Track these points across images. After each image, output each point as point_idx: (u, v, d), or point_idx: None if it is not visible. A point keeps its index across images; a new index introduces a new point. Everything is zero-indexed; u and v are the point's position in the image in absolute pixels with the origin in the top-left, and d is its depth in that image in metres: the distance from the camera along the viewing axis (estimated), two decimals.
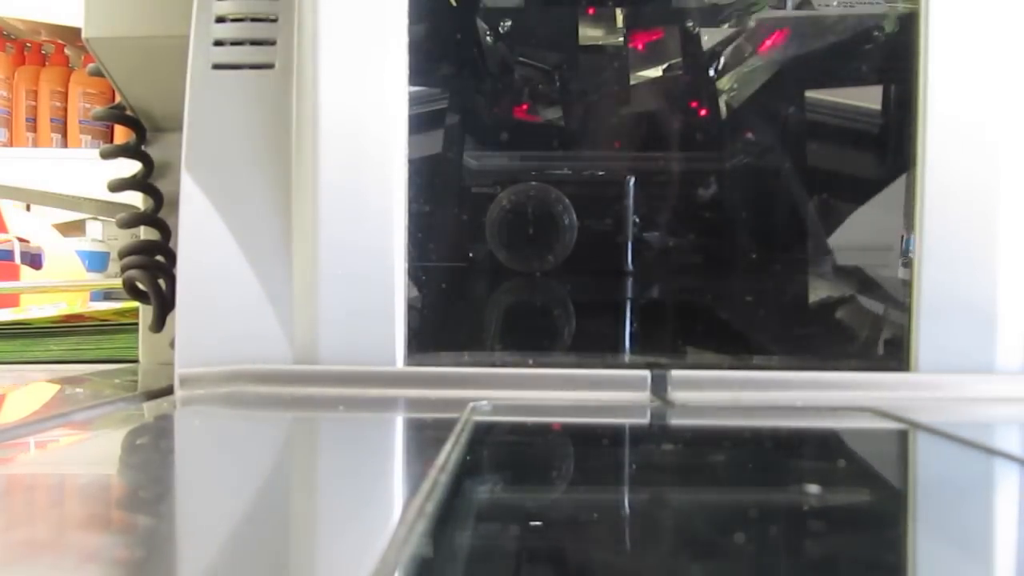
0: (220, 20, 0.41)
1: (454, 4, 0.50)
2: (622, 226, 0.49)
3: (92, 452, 0.30)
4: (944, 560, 0.19)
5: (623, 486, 0.26)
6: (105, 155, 0.56)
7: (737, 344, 0.46)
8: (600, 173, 0.51)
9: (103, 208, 0.97)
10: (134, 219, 0.56)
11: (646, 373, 0.37)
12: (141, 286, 0.53)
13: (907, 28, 0.40)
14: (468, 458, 0.26)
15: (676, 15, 0.51)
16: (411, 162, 0.39)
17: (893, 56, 0.45)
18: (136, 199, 0.58)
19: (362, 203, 0.39)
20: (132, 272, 0.53)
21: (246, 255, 0.39)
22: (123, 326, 0.62)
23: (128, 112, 0.56)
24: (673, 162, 0.51)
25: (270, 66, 0.41)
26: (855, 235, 0.49)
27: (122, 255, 0.54)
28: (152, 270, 0.53)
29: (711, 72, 0.51)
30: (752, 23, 0.50)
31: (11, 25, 1.43)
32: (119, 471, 0.27)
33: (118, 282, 0.55)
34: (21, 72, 1.43)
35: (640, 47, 0.51)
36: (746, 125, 0.50)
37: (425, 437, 0.32)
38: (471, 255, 0.50)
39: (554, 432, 0.34)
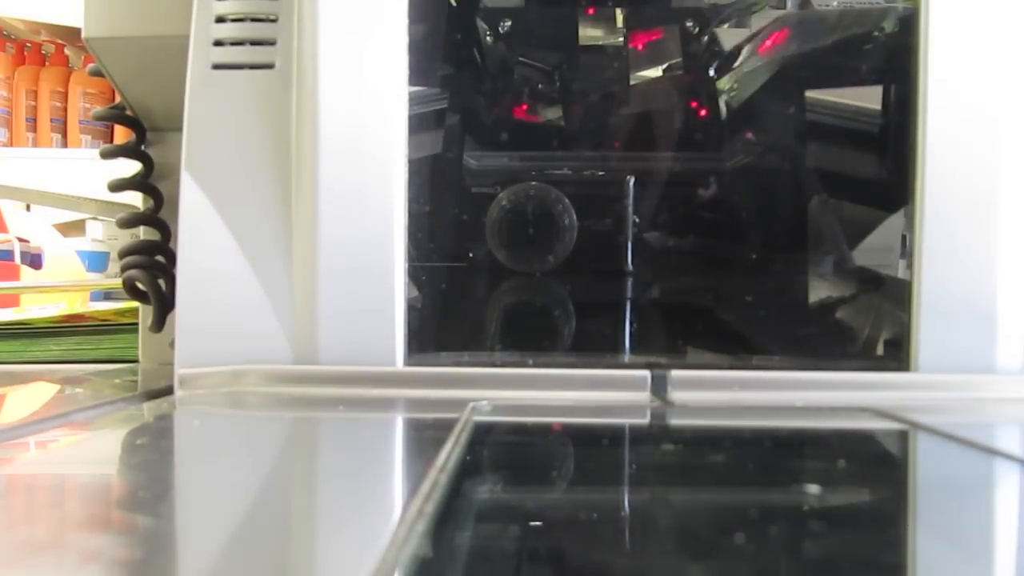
0: (220, 20, 0.41)
1: (454, 4, 0.50)
2: (622, 226, 0.49)
3: (92, 452, 0.30)
4: (944, 560, 0.19)
5: (623, 486, 0.26)
6: (105, 155, 0.56)
7: (737, 344, 0.46)
8: (600, 173, 0.51)
9: (103, 208, 0.97)
10: (134, 219, 0.56)
11: (646, 373, 0.37)
12: (141, 286, 0.53)
13: (907, 27, 0.40)
14: (468, 458, 0.26)
15: (676, 15, 0.51)
16: (411, 162, 0.39)
17: (893, 55, 0.45)
18: (136, 199, 0.58)
19: (362, 203, 0.39)
20: (132, 272, 0.53)
21: (246, 255, 0.39)
22: (123, 326, 0.62)
23: (128, 112, 0.56)
24: (673, 162, 0.51)
25: (270, 66, 0.41)
26: (855, 234, 0.49)
27: (122, 255, 0.54)
28: (152, 270, 0.53)
29: (711, 72, 0.51)
30: (752, 23, 0.50)
31: (11, 25, 1.43)
32: (119, 471, 0.27)
33: (118, 282, 0.55)
34: (21, 72, 1.43)
35: (640, 47, 0.51)
36: (746, 125, 0.50)
37: (425, 437, 0.32)
38: (471, 255, 0.50)
39: (554, 432, 0.34)
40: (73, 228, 1.43)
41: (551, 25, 0.52)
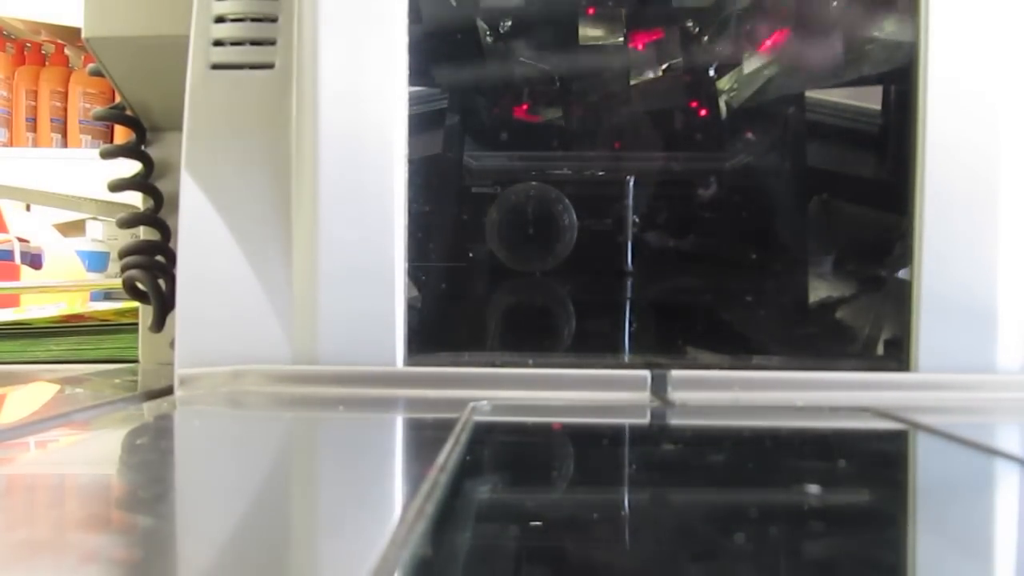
0: (220, 20, 0.41)
1: (454, 4, 0.50)
2: (622, 226, 0.49)
3: (92, 452, 0.30)
4: (944, 560, 0.19)
5: (623, 486, 0.26)
6: (105, 155, 0.56)
7: (737, 344, 0.46)
8: (600, 173, 0.51)
9: (103, 208, 0.97)
10: (134, 219, 0.56)
11: (646, 373, 0.37)
12: (141, 286, 0.53)
13: (907, 27, 0.40)
14: (468, 458, 0.26)
15: (676, 15, 0.51)
16: (411, 162, 0.39)
17: (893, 54, 0.45)
18: (136, 199, 0.58)
19: (362, 203, 0.39)
20: (132, 272, 0.53)
21: (246, 255, 0.39)
22: (123, 326, 0.62)
23: (128, 112, 0.56)
24: (673, 162, 0.51)
25: (270, 66, 0.41)
26: (855, 235, 0.49)
27: (122, 255, 0.54)
28: (152, 270, 0.53)
29: (711, 72, 0.51)
30: (752, 23, 0.50)
31: (11, 25, 1.43)
32: (119, 471, 0.27)
33: (118, 282, 0.55)
34: (21, 72, 1.43)
35: (640, 47, 0.51)
36: (746, 125, 0.50)
37: (425, 437, 0.32)
38: (471, 255, 0.49)
39: (554, 432, 0.34)
40: (73, 228, 1.43)
41: (551, 25, 0.52)
